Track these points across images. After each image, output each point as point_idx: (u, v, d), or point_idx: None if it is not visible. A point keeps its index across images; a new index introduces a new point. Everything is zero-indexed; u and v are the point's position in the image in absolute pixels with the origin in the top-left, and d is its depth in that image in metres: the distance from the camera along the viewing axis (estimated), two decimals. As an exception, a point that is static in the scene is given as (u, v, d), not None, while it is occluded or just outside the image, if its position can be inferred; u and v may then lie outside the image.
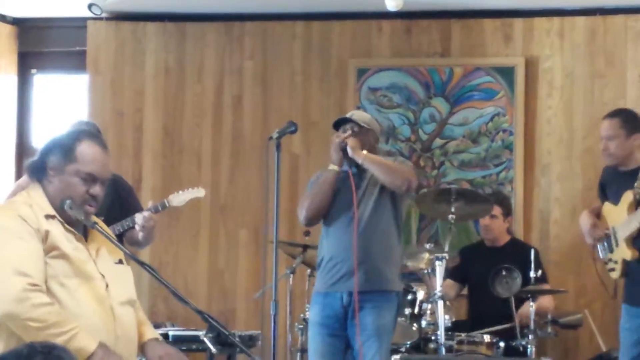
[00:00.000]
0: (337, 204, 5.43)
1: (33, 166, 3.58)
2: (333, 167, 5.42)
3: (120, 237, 5.56)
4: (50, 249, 3.42)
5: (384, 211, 5.40)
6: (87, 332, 3.34)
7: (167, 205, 5.72)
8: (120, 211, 5.65)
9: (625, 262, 5.43)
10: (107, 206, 4.96)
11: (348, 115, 5.56)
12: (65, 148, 3.53)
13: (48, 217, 3.47)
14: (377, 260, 5.35)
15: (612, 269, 5.53)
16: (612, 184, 5.64)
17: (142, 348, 3.65)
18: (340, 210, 5.41)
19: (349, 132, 5.41)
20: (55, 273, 3.40)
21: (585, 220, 5.70)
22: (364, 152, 5.35)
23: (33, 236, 3.40)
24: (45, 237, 3.42)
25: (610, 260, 5.54)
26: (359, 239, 5.32)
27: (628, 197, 5.42)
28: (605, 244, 5.56)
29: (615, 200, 5.54)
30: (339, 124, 5.53)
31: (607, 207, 5.62)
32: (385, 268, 5.37)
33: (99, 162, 3.54)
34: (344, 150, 5.37)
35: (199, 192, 5.91)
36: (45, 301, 3.32)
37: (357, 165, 5.41)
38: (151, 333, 3.71)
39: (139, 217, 5.45)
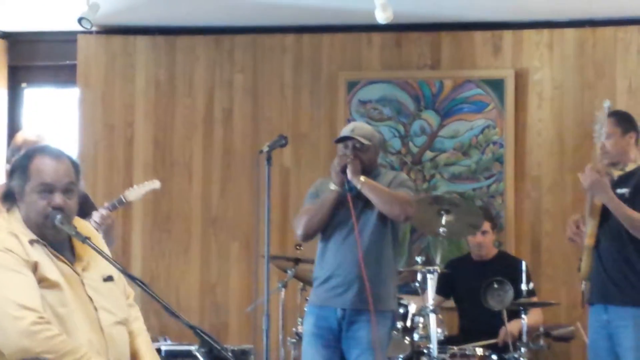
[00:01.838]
0: (335, 221, 5.40)
1: (3, 195, 3.55)
2: (334, 187, 5.40)
3: None
4: (40, 280, 3.37)
5: (383, 232, 5.38)
6: (97, 354, 3.33)
7: (124, 201, 5.68)
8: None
9: (588, 260, 5.40)
10: None
11: (349, 130, 5.48)
12: (20, 170, 3.50)
13: (32, 242, 3.43)
14: (373, 281, 5.34)
15: (580, 267, 5.52)
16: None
17: None
18: (338, 227, 5.39)
19: (351, 155, 5.38)
20: (48, 303, 3.36)
21: (570, 218, 5.71)
22: (362, 178, 5.32)
23: (25, 267, 3.36)
24: (34, 267, 3.38)
25: (580, 259, 5.53)
26: (355, 258, 5.32)
27: None
28: (582, 244, 5.56)
29: None
30: (340, 140, 5.52)
31: None
32: (380, 289, 5.35)
33: (50, 170, 3.47)
34: (344, 172, 5.36)
35: (154, 184, 5.89)
36: (56, 332, 3.28)
37: None
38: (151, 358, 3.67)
39: (96, 216, 5.40)
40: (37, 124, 8.00)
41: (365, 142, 5.42)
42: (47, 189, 3.46)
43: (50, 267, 3.42)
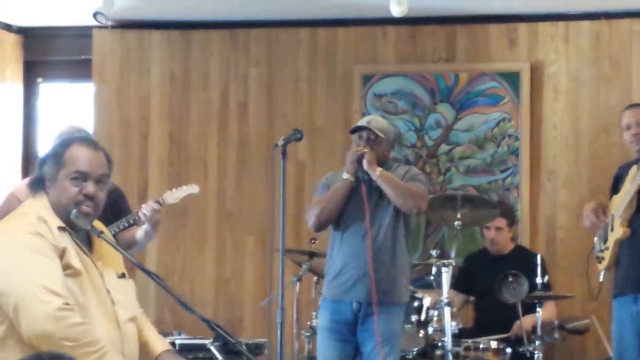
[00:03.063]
0: (350, 212, 5.43)
1: (32, 181, 3.56)
2: (347, 176, 5.42)
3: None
4: (65, 267, 3.38)
5: (398, 224, 5.40)
6: (114, 350, 3.34)
7: (161, 203, 5.61)
8: (112, 214, 5.49)
9: (615, 250, 5.40)
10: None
11: (365, 121, 5.54)
12: (55, 156, 3.51)
13: (60, 229, 3.43)
14: (387, 273, 5.35)
15: (602, 258, 5.50)
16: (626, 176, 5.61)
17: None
18: (353, 219, 5.42)
19: (366, 146, 5.41)
20: (70, 291, 3.36)
21: (587, 205, 5.70)
22: (379, 169, 5.35)
23: (54, 253, 3.37)
24: (62, 254, 3.38)
25: (602, 251, 5.52)
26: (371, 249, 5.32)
27: (632, 171, 5.42)
28: (602, 234, 5.54)
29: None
30: (355, 130, 5.54)
31: (613, 199, 5.60)
32: (394, 280, 5.37)
33: (86, 159, 3.48)
34: (359, 162, 5.38)
35: (193, 189, 5.82)
36: (79, 321, 3.29)
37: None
38: (163, 344, 3.69)
39: (146, 209, 5.33)
40: (52, 119, 8.02)
41: (380, 134, 5.45)
42: (81, 177, 3.47)
43: (75, 255, 3.43)
